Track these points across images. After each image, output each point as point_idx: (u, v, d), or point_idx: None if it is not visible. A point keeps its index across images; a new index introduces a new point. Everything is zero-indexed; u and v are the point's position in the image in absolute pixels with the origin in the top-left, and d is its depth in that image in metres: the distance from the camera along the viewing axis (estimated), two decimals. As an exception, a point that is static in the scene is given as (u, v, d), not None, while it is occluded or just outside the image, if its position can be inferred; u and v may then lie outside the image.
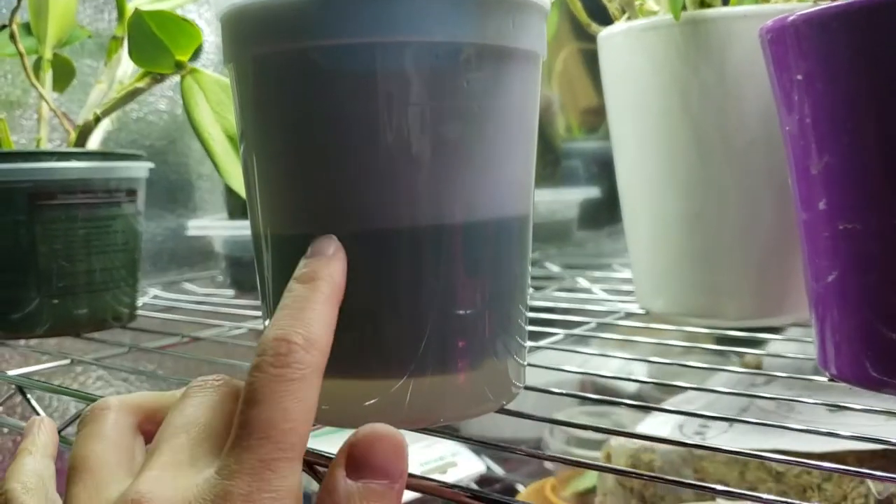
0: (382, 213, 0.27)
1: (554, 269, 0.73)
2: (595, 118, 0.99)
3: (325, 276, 0.26)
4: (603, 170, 0.94)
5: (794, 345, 0.51)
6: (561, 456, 0.38)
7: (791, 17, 0.31)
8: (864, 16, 0.29)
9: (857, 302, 0.31)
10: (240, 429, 0.22)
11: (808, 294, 0.35)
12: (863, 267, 0.31)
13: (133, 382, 0.67)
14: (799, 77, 0.31)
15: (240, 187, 0.44)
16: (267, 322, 0.31)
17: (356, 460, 0.23)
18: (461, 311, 0.29)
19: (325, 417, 0.29)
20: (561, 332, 0.45)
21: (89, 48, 0.69)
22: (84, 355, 0.46)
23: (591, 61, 0.90)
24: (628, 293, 0.58)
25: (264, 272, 0.31)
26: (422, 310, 0.28)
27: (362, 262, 0.28)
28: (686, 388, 0.40)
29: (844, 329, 0.32)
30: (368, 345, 0.28)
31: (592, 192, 0.88)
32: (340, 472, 0.23)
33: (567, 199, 0.85)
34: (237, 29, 0.29)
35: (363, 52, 0.26)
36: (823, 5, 0.30)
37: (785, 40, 0.32)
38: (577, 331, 0.47)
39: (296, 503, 0.22)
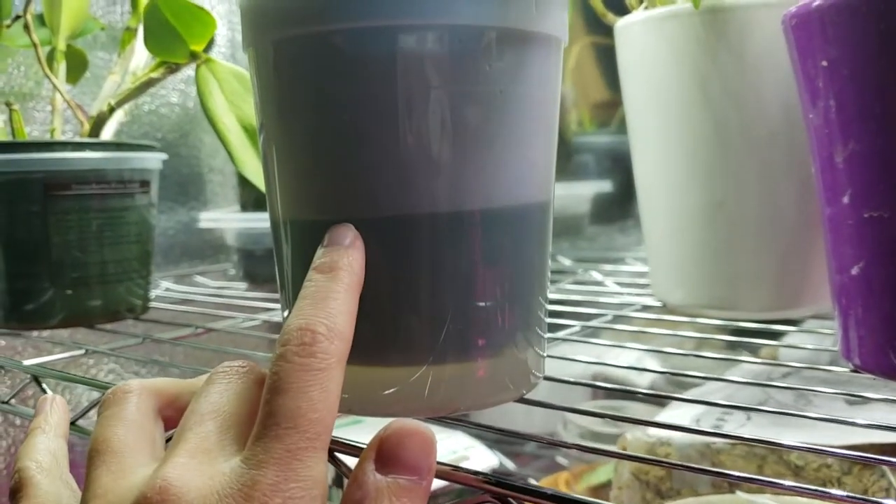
0: (402, 199, 0.27)
1: (566, 262, 0.73)
2: (607, 112, 0.99)
3: (344, 265, 0.26)
4: (614, 164, 0.94)
5: (811, 336, 0.51)
6: (580, 444, 0.37)
7: (816, 3, 0.31)
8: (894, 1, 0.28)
9: (883, 291, 0.31)
10: (266, 418, 0.22)
11: (831, 284, 0.34)
12: (889, 255, 0.30)
13: (145, 375, 0.67)
14: (824, 63, 0.31)
15: (255, 177, 0.44)
16: (286, 312, 0.31)
17: (386, 455, 0.23)
18: (481, 300, 0.28)
19: (345, 405, 0.29)
20: (577, 323, 0.45)
21: (102, 40, 0.69)
22: (97, 346, 0.46)
23: (602, 55, 0.90)
24: (642, 286, 0.58)
25: (283, 260, 0.30)
26: (441, 298, 0.28)
27: (382, 249, 0.27)
28: (701, 379, 0.40)
29: (869, 319, 0.32)
30: (388, 333, 0.28)
31: (604, 186, 0.88)
32: (370, 466, 0.23)
33: (579, 194, 0.85)
34: (257, 14, 0.29)
35: (385, 35, 0.26)
36: (850, -10, 0.30)
37: (810, 26, 0.31)
38: (593, 322, 0.46)
39: (322, 492, 0.22)
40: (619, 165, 0.91)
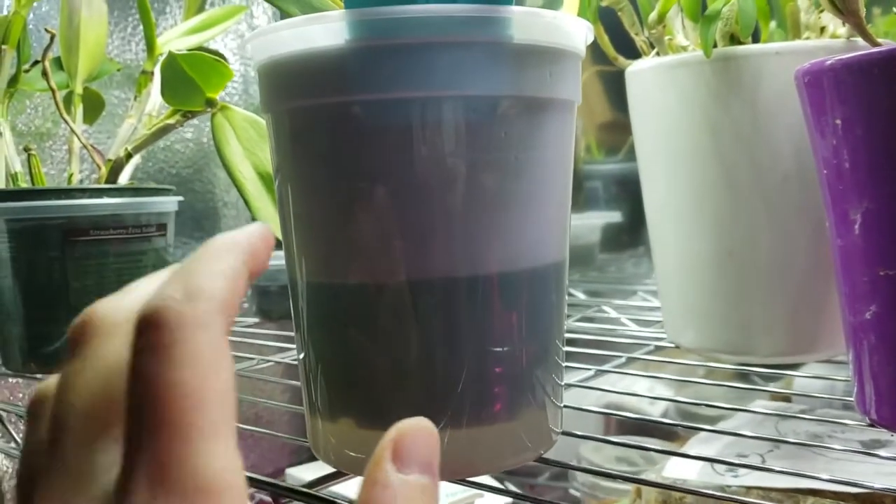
0: (419, 265, 0.27)
1: (580, 296, 0.73)
2: (615, 139, 0.99)
3: (223, 236, 0.21)
4: (623, 191, 0.94)
5: (823, 378, 0.51)
6: (597, 468, 0.37)
7: (829, 62, 0.31)
8: (905, 63, 0.29)
9: (898, 348, 0.31)
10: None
11: (847, 337, 0.34)
12: (904, 313, 0.31)
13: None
14: (837, 122, 0.31)
15: (272, 226, 0.44)
16: (302, 355, 0.31)
17: (404, 454, 0.21)
18: (497, 364, 0.29)
19: (362, 466, 0.29)
20: (592, 368, 0.45)
21: (117, 79, 0.70)
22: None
23: (611, 84, 0.90)
24: (655, 324, 0.58)
25: (300, 319, 0.31)
26: (456, 361, 0.28)
27: (398, 314, 0.28)
28: (722, 410, 0.40)
29: (885, 375, 0.32)
30: (403, 395, 0.28)
31: (614, 216, 0.88)
32: (391, 466, 0.21)
33: (590, 224, 0.85)
34: (274, 81, 0.29)
35: (401, 106, 0.27)
36: (862, 51, 0.30)
37: (822, 84, 0.32)
38: (607, 366, 0.46)
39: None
40: (629, 192, 0.91)
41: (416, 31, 0.26)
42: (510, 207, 0.28)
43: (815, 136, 0.33)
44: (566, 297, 0.32)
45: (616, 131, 0.97)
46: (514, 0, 0.27)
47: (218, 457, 0.16)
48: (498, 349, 0.29)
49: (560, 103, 0.29)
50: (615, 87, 0.51)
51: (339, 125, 0.27)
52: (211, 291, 0.18)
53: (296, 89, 0.28)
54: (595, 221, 0.86)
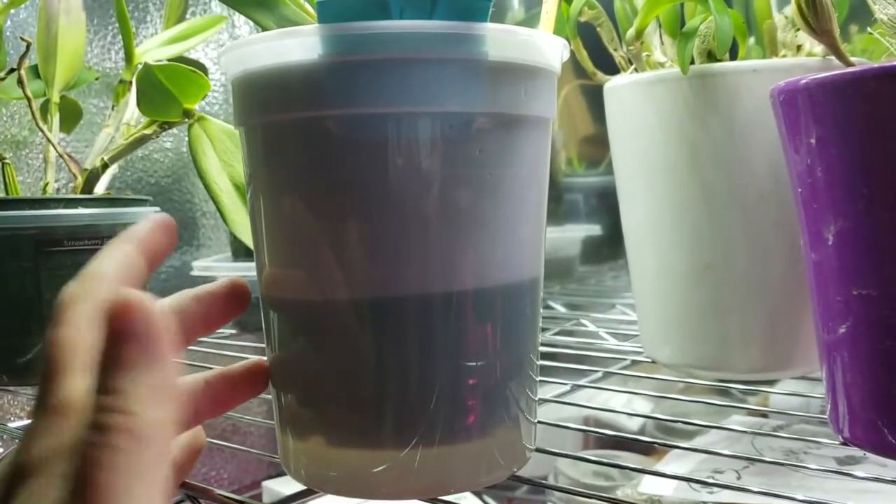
0: (393, 282, 0.27)
1: (559, 308, 0.73)
2: (596, 153, 0.99)
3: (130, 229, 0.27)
4: (603, 204, 0.94)
5: (798, 395, 0.51)
6: (573, 485, 0.37)
7: (804, 81, 0.31)
8: (881, 83, 0.29)
9: (875, 367, 0.31)
10: None
11: (821, 356, 0.34)
12: (880, 332, 0.31)
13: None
14: (812, 141, 0.31)
15: (246, 238, 0.44)
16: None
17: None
18: (471, 380, 0.28)
19: (333, 485, 0.29)
20: (568, 383, 0.45)
21: (96, 87, 0.69)
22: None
23: (592, 97, 0.90)
24: (632, 338, 0.58)
25: (271, 334, 0.31)
26: (429, 379, 0.28)
27: (370, 331, 0.28)
28: (697, 427, 0.40)
29: (860, 394, 0.32)
30: (375, 415, 0.28)
31: (594, 229, 0.88)
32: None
33: (570, 237, 0.85)
34: (248, 95, 0.29)
35: (376, 122, 0.26)
36: (837, 71, 0.30)
37: (797, 103, 0.32)
38: (583, 382, 0.46)
39: None
40: (609, 205, 0.91)
41: (390, 47, 0.26)
42: (484, 224, 0.28)
43: (790, 155, 0.33)
44: (540, 313, 0.32)
45: (597, 144, 0.97)
46: (488, 17, 0.27)
47: (65, 389, 0.21)
48: (471, 366, 0.28)
49: (535, 120, 0.29)
50: (596, 101, 0.52)
51: (312, 140, 0.27)
52: (94, 273, 0.24)
53: (269, 103, 0.28)
54: (575, 234, 0.86)
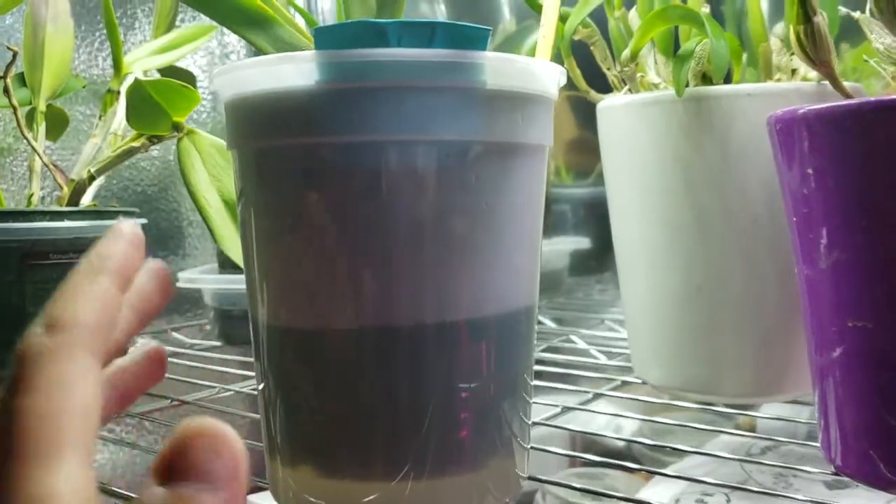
0: (386, 311, 0.27)
1: (548, 323, 0.73)
2: (585, 164, 0.99)
3: (94, 252, 0.21)
4: (590, 215, 0.94)
5: (786, 419, 0.51)
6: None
7: (802, 111, 0.31)
8: (879, 115, 0.29)
9: (869, 399, 0.31)
10: None
11: (814, 384, 0.34)
12: (874, 364, 0.30)
13: (114, 454, 0.66)
14: (809, 171, 0.31)
15: (235, 254, 0.43)
16: (262, 385, 0.30)
17: (167, 462, 0.18)
18: (463, 410, 0.28)
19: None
20: (559, 405, 0.45)
21: (82, 95, 0.68)
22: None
23: (581, 108, 0.90)
24: (622, 356, 0.58)
25: (261, 358, 0.30)
26: (421, 409, 0.27)
27: (363, 360, 0.27)
28: (682, 451, 0.40)
29: (854, 425, 0.32)
30: (365, 445, 0.28)
31: (583, 242, 0.88)
32: (149, 481, 0.18)
33: (559, 249, 0.85)
34: (241, 118, 0.28)
35: (370, 150, 0.26)
36: (834, 102, 0.30)
37: (794, 132, 0.32)
38: (574, 403, 0.46)
39: None
40: (596, 216, 0.91)
41: (388, 75, 0.25)
42: (480, 253, 0.28)
43: (786, 183, 0.33)
44: (535, 341, 0.32)
45: (585, 155, 0.97)
46: (487, 45, 0.26)
47: (53, 478, 0.16)
48: (464, 397, 0.28)
49: (532, 148, 0.29)
50: (584, 112, 0.51)
51: (306, 166, 0.27)
52: (72, 321, 0.19)
53: (263, 128, 0.28)
54: (564, 247, 0.86)
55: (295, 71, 0.26)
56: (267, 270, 0.29)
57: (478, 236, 0.27)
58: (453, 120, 0.26)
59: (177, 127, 0.45)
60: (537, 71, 0.28)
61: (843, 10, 0.37)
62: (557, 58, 0.46)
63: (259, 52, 0.32)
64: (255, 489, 0.75)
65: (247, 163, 0.29)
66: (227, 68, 0.28)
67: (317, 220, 0.27)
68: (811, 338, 0.34)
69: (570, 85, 0.49)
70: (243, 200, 0.29)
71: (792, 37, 0.31)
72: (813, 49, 0.31)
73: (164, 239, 0.74)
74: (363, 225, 0.26)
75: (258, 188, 0.28)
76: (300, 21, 0.44)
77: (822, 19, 0.31)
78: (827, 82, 0.40)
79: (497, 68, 0.26)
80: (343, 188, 0.26)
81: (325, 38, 0.26)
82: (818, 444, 0.35)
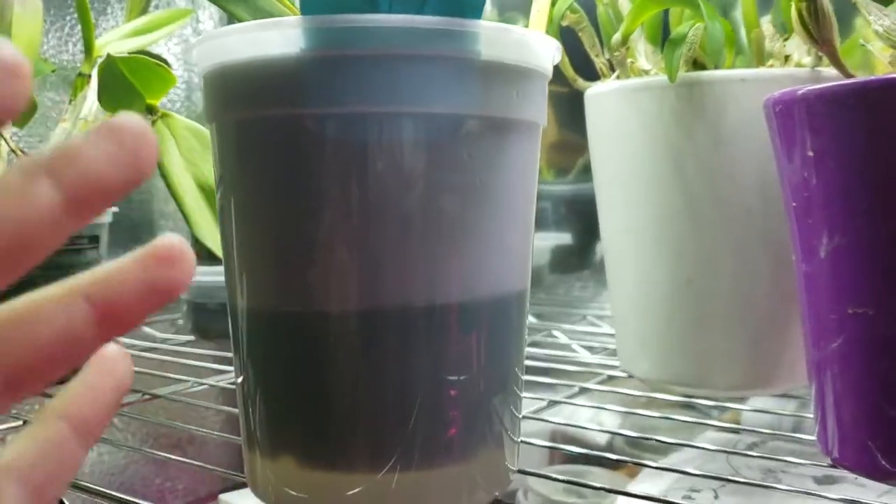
0: (374, 293, 0.25)
1: (530, 318, 0.71)
2: (565, 161, 0.98)
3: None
4: (571, 212, 0.93)
5: (770, 412, 0.50)
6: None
7: (802, 91, 0.30)
8: (884, 94, 0.28)
9: (868, 388, 0.30)
10: None
11: (810, 374, 0.33)
12: (875, 352, 0.30)
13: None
14: (809, 153, 0.30)
15: (211, 241, 0.42)
16: (240, 379, 0.29)
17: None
18: (453, 398, 0.27)
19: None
20: (545, 398, 0.44)
21: (51, 80, 0.66)
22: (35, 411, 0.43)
23: (562, 104, 0.89)
24: (606, 351, 0.57)
25: (240, 346, 0.29)
26: (409, 397, 0.26)
27: (348, 345, 0.26)
28: (669, 444, 0.39)
29: (852, 416, 0.31)
30: (349, 432, 0.26)
31: (564, 238, 0.87)
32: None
33: (540, 245, 0.84)
34: (221, 89, 0.27)
35: (358, 122, 0.25)
36: (834, 81, 0.29)
37: (794, 114, 0.31)
38: (560, 397, 0.45)
39: None
40: (577, 213, 0.90)
41: (377, 43, 0.24)
42: (472, 233, 0.26)
43: (784, 167, 0.32)
44: (527, 328, 0.30)
45: (566, 152, 0.96)
46: (482, 14, 0.25)
47: None
48: (454, 382, 0.27)
49: (526, 125, 0.28)
50: (566, 107, 0.50)
51: (290, 139, 0.25)
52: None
53: (245, 99, 0.26)
54: (545, 243, 0.85)
55: (279, 38, 0.24)
56: (247, 252, 0.27)
57: (470, 215, 0.26)
58: (446, 92, 0.25)
59: (151, 109, 0.43)
60: (533, 43, 0.27)
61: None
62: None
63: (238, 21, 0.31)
64: (233, 486, 0.73)
65: (227, 136, 0.27)
66: (208, 36, 0.26)
67: (300, 197, 0.25)
68: (808, 326, 0.33)
69: (552, 79, 0.48)
70: (222, 177, 0.28)
71: (794, 14, 0.30)
72: (815, 27, 0.30)
73: (135, 230, 0.72)
74: (349, 202, 0.25)
75: (239, 163, 0.27)
76: None
77: (825, -4, 0.30)
78: (822, 68, 0.39)
79: (492, 38, 0.25)
80: (329, 163, 0.25)
81: (312, 3, 0.24)
82: (805, 438, 0.34)
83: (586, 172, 0.47)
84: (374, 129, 0.25)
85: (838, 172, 0.29)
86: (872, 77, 0.29)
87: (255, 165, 0.26)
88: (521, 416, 0.30)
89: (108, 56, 0.38)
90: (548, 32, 0.40)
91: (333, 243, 0.25)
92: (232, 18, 0.30)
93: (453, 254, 0.26)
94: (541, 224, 0.94)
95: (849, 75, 0.32)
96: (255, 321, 0.28)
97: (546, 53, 0.27)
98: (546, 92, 0.29)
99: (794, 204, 0.32)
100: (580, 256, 0.91)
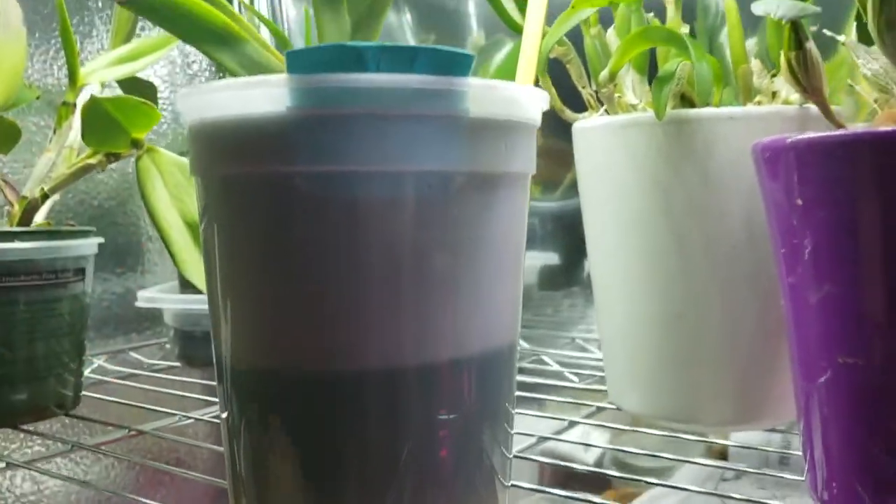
0: (362, 353, 0.25)
1: (522, 344, 0.71)
2: (552, 177, 0.98)
3: None
4: (558, 229, 0.93)
5: (757, 448, 0.50)
6: None
7: (791, 140, 0.30)
8: (872, 146, 0.28)
9: (859, 436, 0.30)
10: None
11: (799, 417, 0.33)
12: (865, 401, 0.29)
13: (61, 488, 0.62)
14: (798, 202, 0.30)
15: (197, 279, 0.41)
16: (225, 414, 0.28)
17: None
18: (442, 456, 0.27)
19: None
20: (535, 435, 0.44)
21: (36, 105, 0.66)
22: (22, 449, 0.43)
23: (548, 122, 0.89)
24: (591, 377, 0.57)
25: (226, 394, 0.28)
26: (397, 457, 0.26)
27: (332, 406, 0.26)
28: (659, 484, 0.39)
29: (843, 464, 0.31)
30: (335, 494, 0.26)
31: (552, 258, 0.87)
32: None
33: (528, 265, 0.84)
34: (207, 144, 0.27)
35: (346, 180, 0.24)
36: (827, 133, 0.29)
37: (782, 161, 0.31)
38: (549, 433, 0.45)
39: None
40: (564, 230, 0.90)
41: (364, 102, 0.24)
42: (462, 289, 0.26)
43: (773, 213, 0.32)
44: (515, 377, 0.30)
45: (553, 169, 0.96)
46: (469, 71, 0.25)
47: None
48: (443, 439, 0.27)
49: (515, 176, 0.27)
50: (553, 126, 0.50)
51: (277, 197, 0.25)
52: None
53: (231, 155, 0.26)
54: (533, 262, 0.85)
55: (265, 95, 0.24)
56: (230, 304, 0.27)
57: (460, 272, 0.26)
58: (434, 149, 0.25)
59: (136, 144, 0.43)
60: (522, 98, 0.26)
61: (827, 32, 0.36)
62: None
63: (223, 69, 0.30)
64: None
65: (211, 191, 0.27)
66: (193, 91, 0.26)
67: (286, 255, 0.25)
68: (797, 371, 0.33)
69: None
70: (206, 231, 0.27)
71: (783, 63, 0.30)
72: (805, 76, 0.30)
73: (122, 255, 0.72)
74: (337, 260, 0.25)
75: (223, 218, 0.26)
76: (266, 35, 0.42)
77: (814, 46, 0.30)
78: (809, 105, 0.39)
79: (480, 96, 0.25)
80: (316, 221, 0.25)
81: (299, 61, 0.24)
82: (791, 474, 0.34)
83: (574, 188, 0.47)
84: (362, 188, 0.24)
85: (827, 222, 0.29)
86: (861, 130, 0.29)
87: (240, 221, 0.26)
88: (511, 458, 0.30)
89: (92, 97, 0.37)
90: (536, 70, 0.40)
91: (320, 301, 0.25)
92: (219, 65, 0.30)
93: (443, 311, 0.26)
94: (529, 241, 0.94)
95: (838, 125, 0.32)
96: (239, 373, 0.27)
97: (534, 106, 0.27)
98: (535, 141, 0.29)
99: (782, 250, 0.32)
100: (567, 275, 0.90)
